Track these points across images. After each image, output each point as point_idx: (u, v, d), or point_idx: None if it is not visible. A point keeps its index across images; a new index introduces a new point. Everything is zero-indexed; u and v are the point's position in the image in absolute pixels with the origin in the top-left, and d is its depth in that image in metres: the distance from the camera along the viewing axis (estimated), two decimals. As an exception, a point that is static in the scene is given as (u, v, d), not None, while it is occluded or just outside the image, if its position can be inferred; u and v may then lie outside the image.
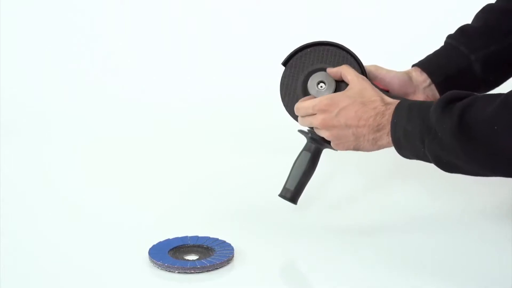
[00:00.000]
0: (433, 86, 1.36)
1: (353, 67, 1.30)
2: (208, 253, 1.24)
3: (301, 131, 1.34)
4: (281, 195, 1.33)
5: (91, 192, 1.52)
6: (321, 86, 1.31)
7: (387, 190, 1.52)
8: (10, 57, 2.06)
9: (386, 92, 1.28)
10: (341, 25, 1.99)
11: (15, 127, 1.88)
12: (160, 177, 1.59)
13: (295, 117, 1.33)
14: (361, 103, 1.23)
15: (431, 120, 1.13)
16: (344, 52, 1.32)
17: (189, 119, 1.90)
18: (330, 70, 1.30)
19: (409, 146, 1.17)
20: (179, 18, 2.10)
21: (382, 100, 1.23)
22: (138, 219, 1.40)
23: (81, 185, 1.56)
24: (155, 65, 2.07)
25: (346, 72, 1.28)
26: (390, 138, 1.20)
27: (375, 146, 1.23)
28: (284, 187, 1.33)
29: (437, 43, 1.43)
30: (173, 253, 1.24)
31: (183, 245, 1.26)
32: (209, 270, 1.20)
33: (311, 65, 1.32)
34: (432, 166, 1.18)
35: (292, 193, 1.33)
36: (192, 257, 1.24)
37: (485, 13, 1.41)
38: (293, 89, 1.33)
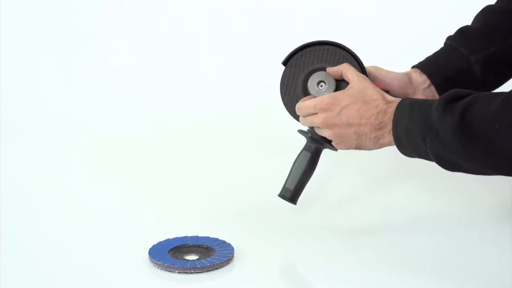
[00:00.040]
0: (432, 87, 1.37)
1: (354, 66, 1.30)
2: (208, 253, 1.24)
3: (300, 131, 1.34)
4: (280, 195, 1.33)
5: (91, 192, 1.52)
6: (321, 86, 1.31)
7: (387, 190, 1.52)
8: (10, 57, 2.06)
9: (386, 92, 1.28)
10: (341, 25, 1.99)
11: (15, 127, 1.88)
12: (160, 177, 1.59)
13: (296, 117, 1.32)
14: (363, 101, 1.23)
15: (433, 118, 1.13)
16: (344, 51, 1.32)
17: (189, 119, 1.90)
18: (330, 69, 1.30)
19: (410, 144, 1.18)
20: (179, 18, 2.10)
21: (384, 98, 1.23)
22: (138, 219, 1.40)
23: (81, 185, 1.56)
24: (155, 65, 2.07)
25: (347, 71, 1.28)
26: (392, 137, 1.20)
27: (376, 144, 1.23)
28: (284, 187, 1.33)
29: (437, 43, 1.43)
30: (173, 253, 1.24)
31: (183, 245, 1.26)
32: (209, 270, 1.20)
33: (311, 65, 1.32)
34: (432, 166, 1.18)
35: (291, 193, 1.32)
36: (192, 257, 1.24)
37: (484, 14, 1.41)
38: (293, 88, 1.33)
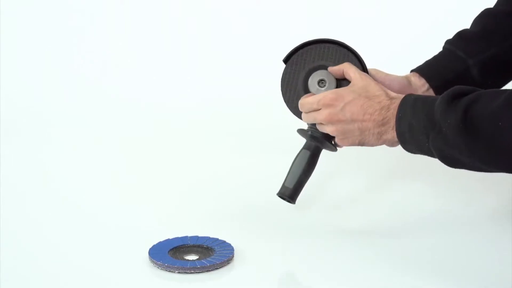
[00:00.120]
0: (431, 91, 1.37)
1: (355, 65, 1.30)
2: (208, 253, 1.24)
3: (300, 131, 1.34)
4: (279, 194, 1.33)
5: (91, 192, 1.52)
6: (322, 85, 1.30)
7: (387, 190, 1.52)
8: (10, 57, 2.06)
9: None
10: (341, 25, 1.99)
11: (15, 127, 1.88)
12: (160, 177, 1.59)
13: (297, 113, 1.32)
14: (366, 97, 1.23)
15: (436, 115, 1.13)
16: (346, 49, 1.32)
17: (189, 119, 1.90)
18: (332, 68, 1.30)
19: (413, 140, 1.18)
20: (179, 18, 2.10)
21: (387, 94, 1.23)
22: (138, 219, 1.40)
23: (81, 185, 1.56)
24: (155, 65, 2.07)
25: (348, 69, 1.28)
26: (395, 132, 1.20)
27: (380, 140, 1.24)
28: (283, 186, 1.33)
29: (437, 43, 1.43)
30: (173, 253, 1.24)
31: (183, 245, 1.26)
32: (209, 270, 1.20)
33: (312, 63, 1.32)
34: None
35: (291, 191, 1.32)
36: (192, 257, 1.24)
37: (483, 17, 1.41)
38: (294, 85, 1.33)
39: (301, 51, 1.33)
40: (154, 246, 1.25)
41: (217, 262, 1.21)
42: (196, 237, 1.28)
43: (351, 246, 1.29)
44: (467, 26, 1.43)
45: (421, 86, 1.37)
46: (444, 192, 1.49)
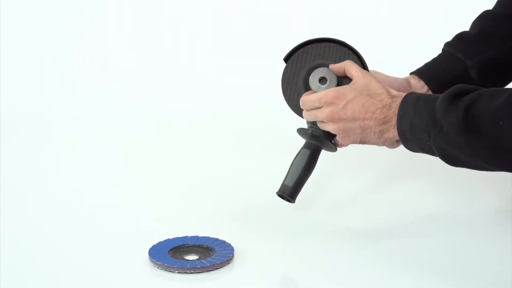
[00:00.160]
0: (430, 93, 1.37)
1: (356, 64, 1.30)
2: (208, 253, 1.24)
3: (299, 130, 1.34)
4: (279, 192, 1.32)
5: (91, 192, 1.52)
6: (323, 82, 1.30)
7: (387, 190, 1.52)
8: (10, 57, 2.06)
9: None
10: (341, 25, 1.99)
11: (15, 127, 1.88)
12: (160, 177, 1.59)
13: (297, 111, 1.32)
14: (368, 95, 1.23)
15: (437, 113, 1.13)
16: (346, 48, 1.32)
17: (189, 119, 1.90)
18: (333, 66, 1.30)
19: (415, 139, 1.18)
20: (179, 18, 2.10)
21: (388, 93, 1.23)
22: (138, 219, 1.40)
23: (81, 185, 1.56)
24: (155, 65, 2.07)
25: (350, 67, 1.28)
26: (396, 131, 1.20)
27: (381, 138, 1.24)
28: (283, 184, 1.32)
29: (437, 43, 1.43)
30: (173, 253, 1.24)
31: (183, 245, 1.26)
32: (209, 270, 1.20)
33: (313, 61, 1.32)
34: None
35: (290, 190, 1.31)
36: (192, 257, 1.24)
37: (482, 19, 1.42)
38: (294, 83, 1.33)
39: (301, 50, 1.33)
40: (154, 246, 1.25)
41: (217, 262, 1.21)
42: (196, 237, 1.28)
43: (351, 246, 1.29)
44: (467, 26, 1.43)
45: (420, 88, 1.37)
46: (445, 192, 1.49)
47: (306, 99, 1.29)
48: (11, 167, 1.65)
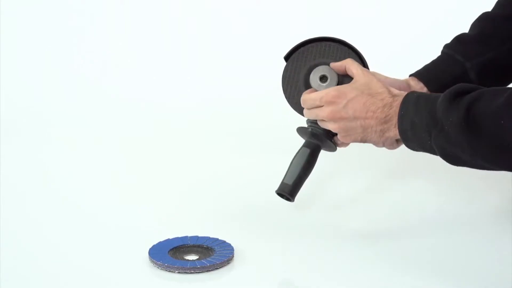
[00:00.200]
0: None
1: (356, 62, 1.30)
2: (208, 253, 1.24)
3: (299, 130, 1.34)
4: (279, 190, 1.32)
5: (91, 192, 1.52)
6: (324, 80, 1.30)
7: (387, 190, 1.52)
8: (10, 57, 2.06)
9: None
10: (341, 25, 1.99)
11: (15, 127, 1.88)
12: (160, 177, 1.59)
13: (297, 109, 1.32)
14: (369, 94, 1.23)
15: (438, 112, 1.13)
16: (347, 47, 1.32)
17: (189, 119, 1.90)
18: (334, 64, 1.30)
19: (415, 138, 1.18)
20: (179, 18, 2.10)
21: (389, 92, 1.23)
22: (138, 219, 1.40)
23: (81, 185, 1.56)
24: (155, 65, 2.07)
25: (351, 65, 1.28)
26: (397, 130, 1.20)
27: (382, 137, 1.24)
28: (282, 182, 1.32)
29: (437, 43, 1.43)
30: (173, 253, 1.24)
31: (183, 245, 1.26)
32: (209, 270, 1.20)
33: (313, 60, 1.32)
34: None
35: (290, 188, 1.31)
36: (192, 257, 1.24)
37: (481, 21, 1.42)
38: (295, 82, 1.33)
39: (302, 48, 1.33)
40: (154, 246, 1.25)
41: (217, 262, 1.21)
42: (196, 237, 1.28)
43: (351, 246, 1.29)
44: (467, 26, 1.43)
45: (420, 89, 1.37)
46: (445, 191, 1.49)
47: (307, 98, 1.29)
48: (11, 167, 1.65)
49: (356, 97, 1.24)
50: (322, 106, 1.26)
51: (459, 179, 1.49)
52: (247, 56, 2.03)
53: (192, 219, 1.38)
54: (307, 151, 1.32)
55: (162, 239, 1.27)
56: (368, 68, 1.32)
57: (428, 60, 1.41)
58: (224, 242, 1.26)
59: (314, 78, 1.31)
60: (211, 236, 1.28)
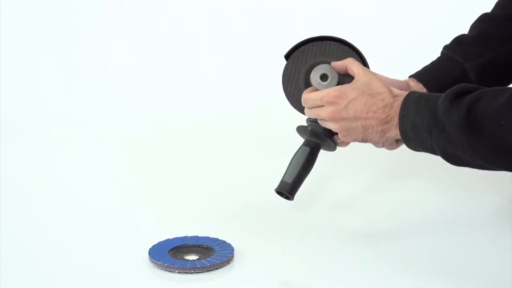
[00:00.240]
0: None
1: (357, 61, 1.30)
2: (208, 253, 1.24)
3: (299, 128, 1.33)
4: (278, 188, 1.31)
5: (91, 192, 1.52)
6: (324, 79, 1.30)
7: (387, 190, 1.52)
8: (10, 57, 2.06)
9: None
10: (341, 25, 1.99)
11: (15, 127, 1.88)
12: (160, 177, 1.59)
13: (298, 107, 1.32)
14: (370, 94, 1.23)
15: (439, 113, 1.13)
16: (347, 47, 1.32)
17: (189, 119, 1.90)
18: (335, 63, 1.30)
19: (416, 138, 1.18)
20: (179, 18, 2.10)
21: (390, 92, 1.23)
22: (138, 219, 1.40)
23: (81, 185, 1.56)
24: (155, 65, 2.07)
25: (352, 65, 1.28)
26: (398, 131, 1.20)
27: (383, 137, 1.24)
28: (282, 181, 1.32)
29: (437, 43, 1.43)
30: (173, 253, 1.24)
31: (183, 245, 1.26)
32: (209, 270, 1.20)
33: (314, 59, 1.32)
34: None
35: (290, 187, 1.30)
36: (192, 257, 1.24)
37: (480, 22, 1.42)
38: (295, 80, 1.33)
39: (302, 47, 1.33)
40: (154, 246, 1.25)
41: (217, 262, 1.21)
42: (196, 237, 1.28)
43: (351, 246, 1.29)
44: (467, 26, 1.43)
45: (420, 90, 1.37)
46: (445, 191, 1.49)
47: (308, 97, 1.29)
48: (11, 167, 1.65)
49: (357, 98, 1.24)
50: (323, 106, 1.26)
51: (459, 179, 1.50)
52: (247, 56, 2.03)
53: (192, 219, 1.38)
54: (307, 149, 1.32)
55: (162, 239, 1.27)
56: (368, 67, 1.32)
57: (428, 60, 1.41)
58: (224, 242, 1.26)
59: (314, 76, 1.31)
60: (211, 236, 1.28)
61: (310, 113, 1.30)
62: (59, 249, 1.29)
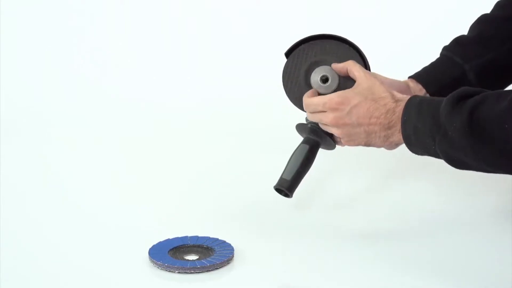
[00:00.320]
0: (428, 96, 1.37)
1: (357, 62, 1.29)
2: (208, 253, 1.24)
3: (298, 126, 1.33)
4: (277, 185, 1.31)
5: (91, 192, 1.52)
6: (325, 82, 1.30)
7: (387, 190, 1.52)
8: (10, 57, 2.06)
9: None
10: (341, 25, 1.99)
11: (15, 127, 1.88)
12: (160, 177, 1.59)
13: (297, 104, 1.32)
14: (372, 99, 1.23)
15: (441, 117, 1.13)
16: (348, 45, 1.32)
17: (189, 119, 1.90)
18: (336, 65, 1.30)
19: (419, 143, 1.18)
20: (179, 18, 2.10)
21: (392, 96, 1.23)
22: (138, 219, 1.40)
23: (81, 185, 1.56)
24: (155, 65, 2.07)
25: (353, 68, 1.28)
26: (401, 135, 1.20)
27: (386, 142, 1.24)
28: (281, 178, 1.31)
29: (437, 43, 1.43)
30: (173, 253, 1.24)
31: (183, 245, 1.26)
32: (209, 270, 1.20)
33: (314, 57, 1.32)
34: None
35: (289, 184, 1.30)
36: (192, 257, 1.24)
37: (480, 23, 1.42)
38: (295, 77, 1.33)
39: (303, 45, 1.33)
40: (154, 246, 1.25)
41: (217, 262, 1.21)
42: (196, 237, 1.28)
43: (351, 246, 1.29)
44: (467, 27, 1.43)
45: (419, 92, 1.37)
46: (445, 191, 1.49)
47: (309, 102, 1.28)
48: (11, 167, 1.65)
49: (360, 103, 1.23)
50: (326, 111, 1.26)
51: (459, 179, 1.49)
52: (247, 56, 2.03)
53: (192, 219, 1.38)
54: (306, 147, 1.32)
55: (162, 239, 1.27)
56: (369, 67, 1.32)
57: (428, 61, 1.41)
58: (224, 242, 1.26)
59: (315, 78, 1.31)
60: (211, 236, 1.28)
61: (312, 118, 1.29)
62: (59, 249, 1.29)
